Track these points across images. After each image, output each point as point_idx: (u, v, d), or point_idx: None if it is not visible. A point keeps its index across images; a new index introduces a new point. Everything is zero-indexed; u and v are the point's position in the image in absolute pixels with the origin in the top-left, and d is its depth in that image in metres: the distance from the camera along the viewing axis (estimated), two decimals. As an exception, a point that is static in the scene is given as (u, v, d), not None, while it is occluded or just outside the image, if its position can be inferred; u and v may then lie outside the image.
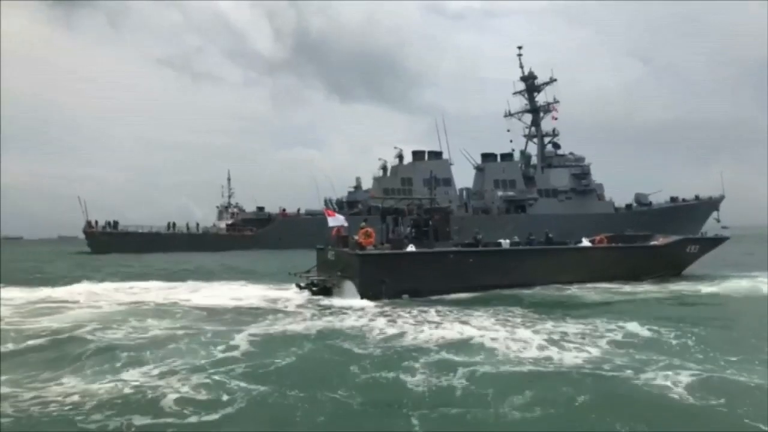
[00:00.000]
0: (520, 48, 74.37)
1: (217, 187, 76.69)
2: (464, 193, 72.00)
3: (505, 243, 21.06)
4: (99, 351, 9.90)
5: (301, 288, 18.66)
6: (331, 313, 14.79)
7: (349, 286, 17.77)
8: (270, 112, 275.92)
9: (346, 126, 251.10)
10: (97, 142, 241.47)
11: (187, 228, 65.04)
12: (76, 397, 7.27)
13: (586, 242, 22.11)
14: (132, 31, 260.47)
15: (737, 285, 19.07)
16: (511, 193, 69.55)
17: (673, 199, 73.24)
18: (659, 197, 73.35)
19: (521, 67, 74.40)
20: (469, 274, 18.74)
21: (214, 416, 6.72)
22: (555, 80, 72.82)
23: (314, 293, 18.35)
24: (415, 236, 19.49)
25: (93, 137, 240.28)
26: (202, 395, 7.41)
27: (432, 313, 14.42)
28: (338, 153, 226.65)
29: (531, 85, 74.14)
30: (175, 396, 7.23)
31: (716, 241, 25.19)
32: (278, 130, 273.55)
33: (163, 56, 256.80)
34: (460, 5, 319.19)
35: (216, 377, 8.17)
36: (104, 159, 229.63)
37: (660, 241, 22.71)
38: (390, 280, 17.58)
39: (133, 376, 8.29)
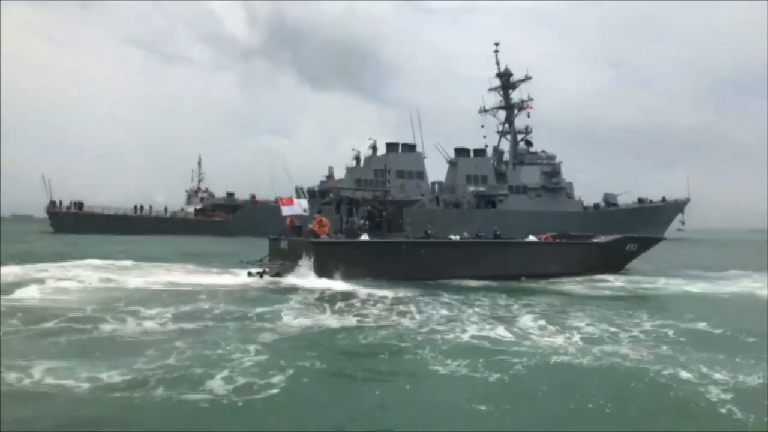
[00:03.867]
0: (497, 45, 75.09)
1: (181, 171, 75.58)
2: (436, 186, 72.49)
3: (455, 239, 21.57)
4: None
5: (251, 275, 18.70)
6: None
7: (301, 269, 17.90)
8: (240, 97, 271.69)
9: (318, 115, 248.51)
10: (61, 123, 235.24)
11: (153, 211, 64.45)
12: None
13: (532, 239, 22.78)
14: (101, 9, 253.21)
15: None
16: (482, 189, 70.19)
17: (641, 201, 74.67)
18: (627, 198, 74.81)
19: (497, 63, 75.10)
20: (421, 265, 19.09)
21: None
22: (530, 78, 73.57)
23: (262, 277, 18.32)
24: (369, 227, 19.75)
25: (57, 118, 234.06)
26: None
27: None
28: (309, 141, 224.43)
29: (506, 81, 74.76)
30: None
31: (653, 240, 26.16)
32: (248, 116, 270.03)
33: (132, 35, 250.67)
34: (438, 2, 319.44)
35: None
36: (68, 140, 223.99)
37: (601, 239, 23.39)
38: (342, 268, 17.81)
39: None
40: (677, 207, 73.92)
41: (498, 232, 22.92)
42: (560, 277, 20.64)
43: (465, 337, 10.20)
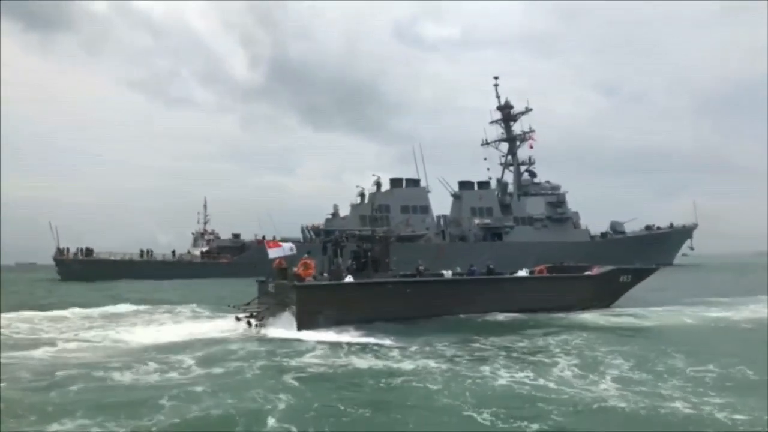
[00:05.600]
0: (496, 78, 76.04)
1: (186, 213, 76.16)
2: (441, 220, 72.56)
3: (447, 273, 21.49)
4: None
5: (238, 320, 18.76)
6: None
7: (286, 316, 17.96)
8: (243, 138, 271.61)
9: (321, 152, 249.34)
10: (66, 167, 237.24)
11: (157, 254, 64.96)
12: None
13: (523, 273, 22.56)
14: (105, 56, 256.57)
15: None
16: (487, 221, 70.15)
17: (648, 228, 74.29)
18: (634, 225, 74.45)
19: (497, 96, 76.01)
20: (407, 304, 19.05)
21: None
22: (531, 110, 74.31)
23: (250, 326, 18.32)
24: (355, 267, 19.80)
25: (61, 162, 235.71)
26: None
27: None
28: (313, 179, 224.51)
29: (507, 114, 75.47)
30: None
31: (648, 271, 25.81)
32: (251, 156, 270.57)
33: (135, 80, 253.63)
34: (436, 37, 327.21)
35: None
36: (73, 184, 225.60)
37: (594, 271, 23.18)
38: (327, 312, 17.80)
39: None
40: (685, 232, 73.38)
41: (491, 266, 22.80)
42: (551, 312, 20.53)
43: (494, 382, 10.01)
